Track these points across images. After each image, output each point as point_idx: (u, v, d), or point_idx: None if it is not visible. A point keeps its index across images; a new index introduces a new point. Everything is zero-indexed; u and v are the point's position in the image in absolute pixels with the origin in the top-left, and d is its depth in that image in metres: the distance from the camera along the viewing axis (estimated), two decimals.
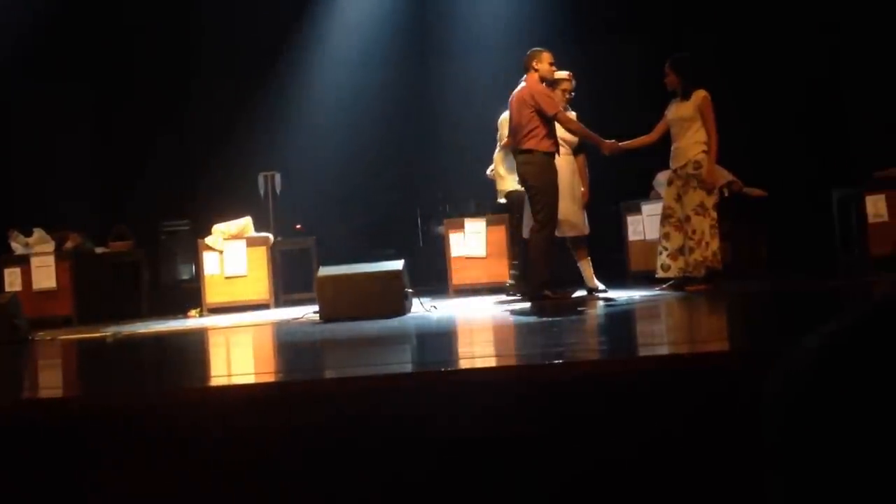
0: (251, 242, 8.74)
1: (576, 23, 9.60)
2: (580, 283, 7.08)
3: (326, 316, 6.36)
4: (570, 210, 6.86)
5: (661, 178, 7.42)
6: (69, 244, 8.79)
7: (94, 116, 10.62)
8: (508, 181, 7.40)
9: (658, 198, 7.52)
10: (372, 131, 10.28)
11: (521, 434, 2.59)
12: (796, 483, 0.69)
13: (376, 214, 10.47)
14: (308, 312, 6.81)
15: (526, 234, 6.94)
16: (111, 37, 10.20)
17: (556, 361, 3.00)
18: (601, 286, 7.03)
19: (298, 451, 2.70)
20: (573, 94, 7.07)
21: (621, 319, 5.26)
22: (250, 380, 3.66)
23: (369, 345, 4.76)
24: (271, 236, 8.93)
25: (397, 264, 6.59)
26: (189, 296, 8.94)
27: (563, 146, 6.83)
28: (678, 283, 6.67)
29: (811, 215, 8.62)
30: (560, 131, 6.74)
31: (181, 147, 10.20)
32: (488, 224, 8.39)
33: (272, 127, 10.19)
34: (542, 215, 6.58)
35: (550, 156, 6.63)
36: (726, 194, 7.80)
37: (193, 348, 5.67)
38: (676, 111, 6.68)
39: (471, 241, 8.41)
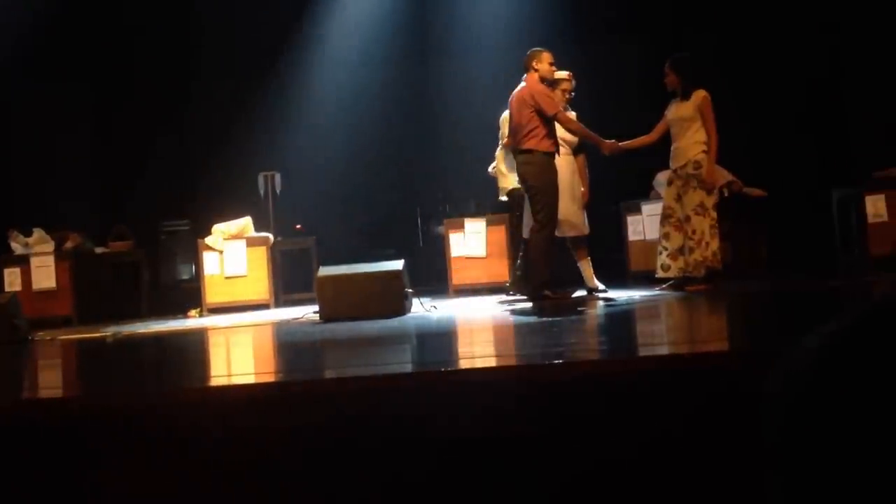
0: (251, 242, 8.74)
1: (576, 23, 9.60)
2: (580, 283, 7.08)
3: (326, 316, 6.36)
4: (570, 210, 6.86)
5: (661, 178, 7.42)
6: (69, 244, 8.79)
7: (94, 116, 10.62)
8: (510, 179, 7.40)
9: (658, 198, 7.52)
10: (372, 131, 10.28)
11: (521, 434, 2.59)
12: (796, 483, 0.69)
13: (376, 214, 10.47)
14: (308, 312, 6.81)
15: (526, 234, 6.95)
16: (111, 37, 10.19)
17: (556, 361, 3.00)
18: (601, 286, 7.03)
19: (298, 451, 2.70)
20: (573, 94, 7.07)
21: (621, 319, 5.26)
22: (250, 380, 3.66)
23: (369, 345, 4.76)
24: (271, 236, 8.93)
25: (397, 264, 6.59)
26: (189, 296, 8.94)
27: (563, 146, 6.83)
28: (678, 283, 6.67)
29: (811, 215, 8.62)
30: (560, 131, 6.74)
31: (181, 147, 10.19)
32: (488, 224, 8.38)
33: (272, 127, 10.19)
34: (542, 215, 6.58)
35: (550, 156, 6.63)
36: (726, 194, 7.80)
37: (193, 348, 5.67)
38: (676, 111, 6.68)
39: (471, 241, 8.41)
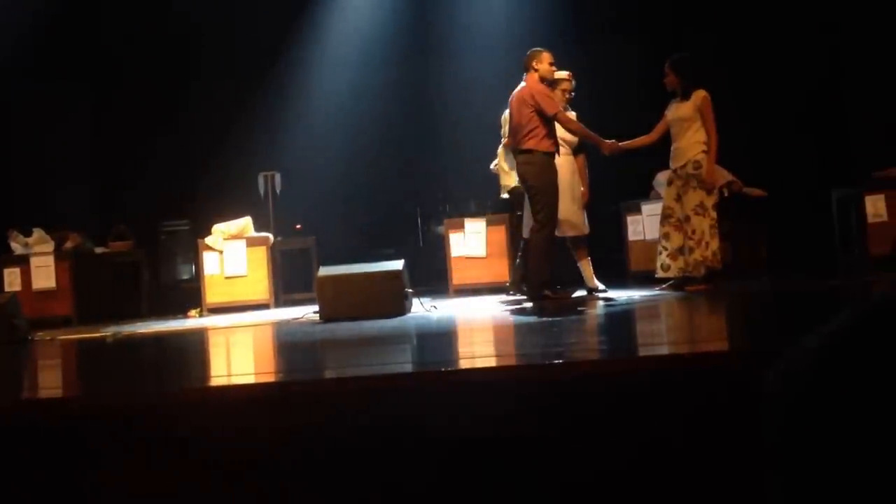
0: (251, 242, 8.74)
1: (576, 23, 9.60)
2: (580, 283, 7.08)
3: (326, 316, 6.36)
4: (570, 210, 6.86)
5: (661, 178, 7.42)
6: (69, 244, 8.79)
7: (94, 116, 10.62)
8: (512, 177, 7.39)
9: (658, 198, 7.52)
10: (372, 131, 10.28)
11: (521, 434, 2.59)
12: (796, 483, 0.69)
13: (376, 214, 10.47)
14: (308, 312, 6.81)
15: (526, 233, 6.95)
16: (111, 37, 10.19)
17: (556, 361, 3.00)
18: (601, 286, 7.04)
19: (298, 451, 2.70)
20: (573, 94, 7.07)
21: (621, 319, 5.26)
22: (250, 380, 3.66)
23: (369, 345, 4.76)
24: (271, 236, 8.93)
25: (397, 264, 6.59)
26: (189, 296, 8.94)
27: (563, 146, 6.83)
28: (678, 283, 6.67)
29: (811, 215, 8.62)
30: (560, 131, 6.74)
31: (181, 147, 10.18)
32: (488, 224, 8.38)
33: (272, 127, 10.19)
34: (542, 215, 6.58)
35: (550, 156, 6.63)
36: (726, 194, 7.80)
37: (193, 348, 5.67)
38: (676, 111, 6.68)
39: (471, 241, 8.41)
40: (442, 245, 8.67)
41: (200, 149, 10.11)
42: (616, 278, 7.80)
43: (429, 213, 10.10)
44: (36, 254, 8.62)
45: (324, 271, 6.65)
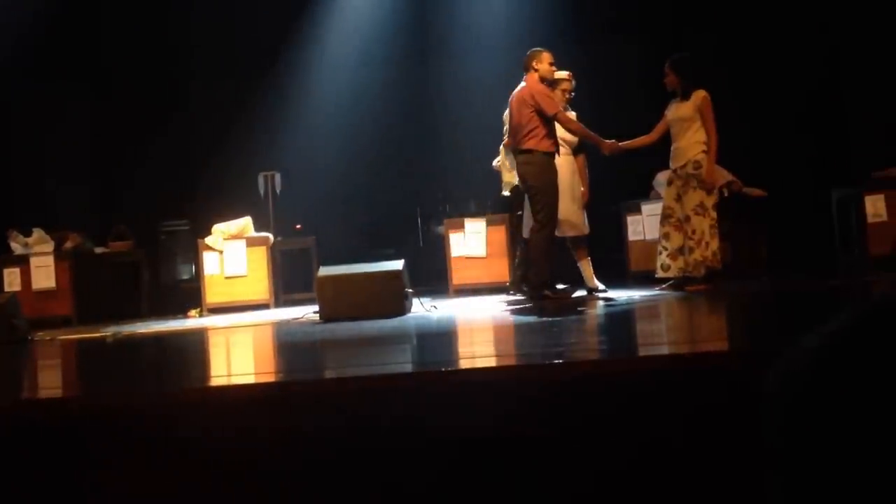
0: (251, 242, 8.74)
1: (576, 23, 9.60)
2: (580, 283, 7.09)
3: (326, 316, 6.36)
4: (570, 210, 6.86)
5: (661, 178, 7.42)
6: (69, 244, 8.79)
7: (94, 116, 10.60)
8: (514, 174, 7.39)
9: (658, 198, 7.52)
10: (372, 131, 10.28)
11: (522, 434, 2.59)
12: (796, 483, 0.69)
13: (376, 214, 10.46)
14: (308, 312, 6.81)
15: (526, 233, 6.95)
16: (110, 37, 10.19)
17: (556, 361, 3.00)
18: (601, 286, 7.04)
19: (298, 451, 2.70)
20: (573, 94, 7.07)
21: (621, 319, 5.26)
22: (250, 380, 3.66)
23: (369, 345, 4.76)
24: (271, 236, 8.93)
25: (397, 264, 6.59)
26: (189, 296, 8.94)
27: (563, 146, 6.84)
28: (678, 283, 6.67)
29: (811, 215, 8.63)
30: (560, 131, 6.74)
31: (181, 147, 10.18)
32: (488, 224, 8.38)
33: (272, 127, 10.19)
34: (542, 215, 6.58)
35: (550, 156, 6.64)
36: (726, 194, 7.80)
37: (193, 348, 5.67)
38: (676, 111, 6.69)
39: (471, 241, 8.41)
40: (442, 245, 8.67)
41: (200, 149, 10.11)
42: (616, 278, 7.80)
43: (429, 213, 10.09)
44: (36, 254, 8.62)
45: (324, 271, 6.65)
